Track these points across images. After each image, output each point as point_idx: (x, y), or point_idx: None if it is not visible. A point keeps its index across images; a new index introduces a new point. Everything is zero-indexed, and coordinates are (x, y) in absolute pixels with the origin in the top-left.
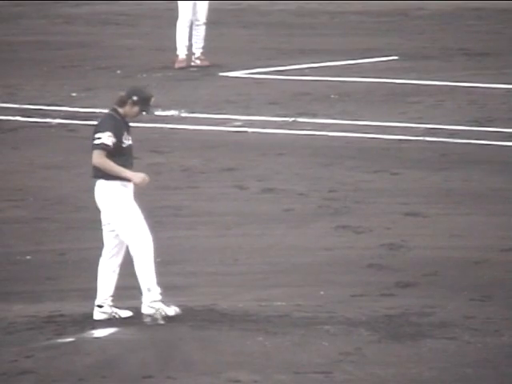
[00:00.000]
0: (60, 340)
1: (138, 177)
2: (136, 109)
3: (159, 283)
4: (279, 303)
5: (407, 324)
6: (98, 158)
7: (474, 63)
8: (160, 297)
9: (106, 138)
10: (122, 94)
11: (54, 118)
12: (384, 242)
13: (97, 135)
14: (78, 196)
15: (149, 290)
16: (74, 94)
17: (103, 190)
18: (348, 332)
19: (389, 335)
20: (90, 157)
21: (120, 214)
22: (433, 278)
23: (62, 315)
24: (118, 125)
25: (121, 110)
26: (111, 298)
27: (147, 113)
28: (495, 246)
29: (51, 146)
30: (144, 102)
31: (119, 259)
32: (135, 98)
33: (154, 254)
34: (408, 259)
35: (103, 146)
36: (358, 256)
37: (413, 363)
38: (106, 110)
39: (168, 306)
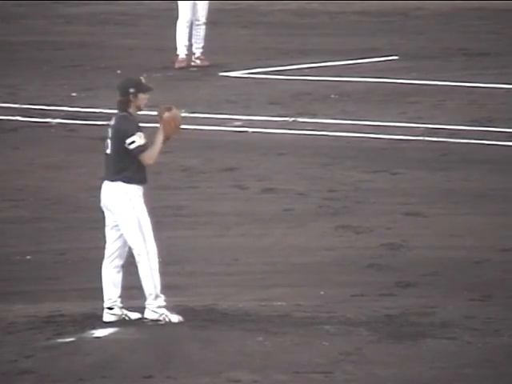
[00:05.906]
0: (60, 340)
1: (168, 118)
2: (141, 96)
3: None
4: (279, 303)
5: (407, 324)
6: (149, 160)
7: (474, 63)
8: (165, 303)
9: (139, 139)
10: (118, 99)
11: (54, 117)
12: (384, 241)
13: (128, 140)
14: (77, 196)
15: (156, 297)
16: (74, 94)
17: (118, 193)
18: (348, 332)
19: (389, 335)
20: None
21: (131, 218)
22: (433, 277)
23: (61, 315)
24: (138, 124)
25: (131, 111)
26: (120, 300)
27: (149, 90)
28: (495, 245)
29: (51, 145)
30: (140, 86)
31: (122, 260)
32: (132, 89)
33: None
34: (408, 259)
35: (142, 149)
36: (358, 256)
37: (413, 363)
38: (106, 110)
39: (171, 313)
